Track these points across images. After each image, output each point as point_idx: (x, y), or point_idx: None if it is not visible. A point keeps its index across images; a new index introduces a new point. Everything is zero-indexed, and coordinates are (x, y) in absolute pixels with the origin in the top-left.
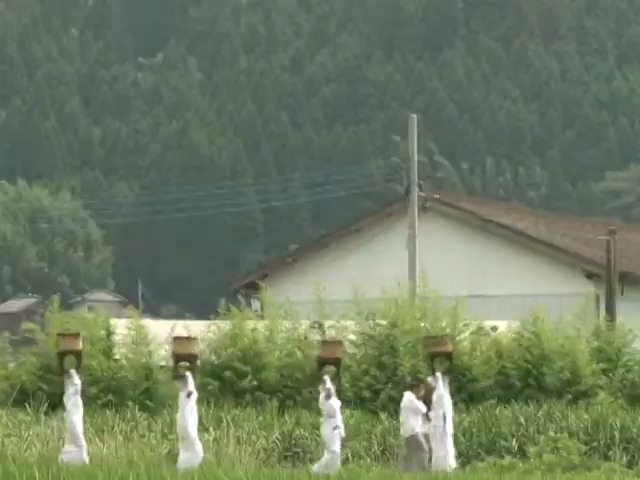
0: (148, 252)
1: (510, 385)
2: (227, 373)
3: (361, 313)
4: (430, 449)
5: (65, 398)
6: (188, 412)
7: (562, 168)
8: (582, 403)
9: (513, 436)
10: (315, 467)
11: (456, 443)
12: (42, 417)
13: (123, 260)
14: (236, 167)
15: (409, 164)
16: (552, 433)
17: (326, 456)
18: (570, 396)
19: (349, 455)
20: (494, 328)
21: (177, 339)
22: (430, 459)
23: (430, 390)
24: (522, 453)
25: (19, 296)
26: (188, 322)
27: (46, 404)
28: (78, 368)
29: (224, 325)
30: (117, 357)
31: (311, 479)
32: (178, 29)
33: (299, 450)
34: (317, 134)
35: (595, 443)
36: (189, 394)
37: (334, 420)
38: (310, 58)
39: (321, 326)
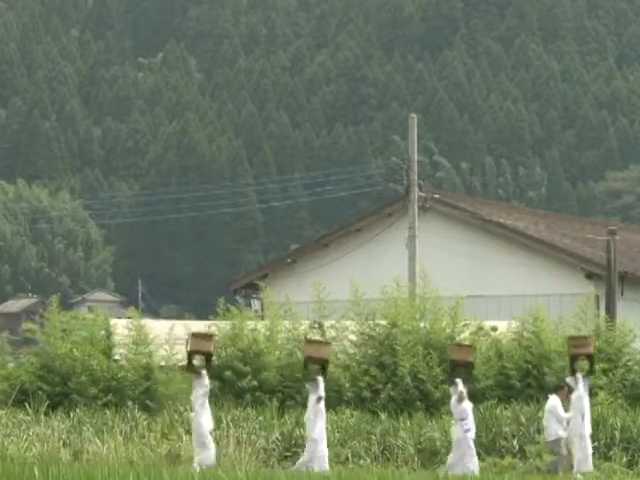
0: (148, 252)
1: (510, 385)
2: (227, 373)
3: (361, 313)
4: (569, 452)
5: (193, 399)
6: (317, 416)
7: (562, 168)
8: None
9: (513, 436)
10: (448, 465)
11: None
12: (42, 417)
13: (123, 260)
14: (236, 167)
15: (409, 164)
16: None
17: (456, 457)
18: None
19: (349, 455)
20: (494, 328)
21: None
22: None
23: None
24: (522, 453)
25: (19, 296)
26: (188, 322)
27: (46, 404)
28: (207, 370)
29: (224, 325)
30: (117, 357)
31: (310, 479)
32: (178, 29)
33: (299, 450)
34: (317, 134)
35: (595, 443)
36: (319, 398)
37: (466, 422)
38: (310, 58)
39: (321, 326)
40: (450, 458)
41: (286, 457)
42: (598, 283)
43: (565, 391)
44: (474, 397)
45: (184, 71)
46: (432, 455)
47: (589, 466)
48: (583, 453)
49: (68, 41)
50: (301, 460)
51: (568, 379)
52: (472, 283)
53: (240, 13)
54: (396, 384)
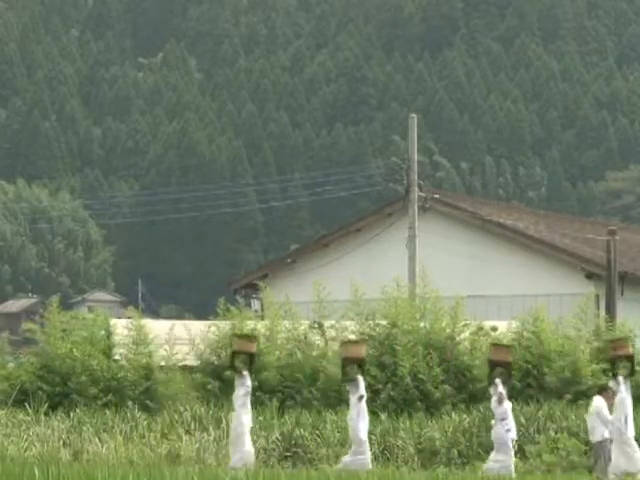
0: (148, 252)
1: (510, 385)
2: (227, 373)
3: (361, 313)
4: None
5: (234, 398)
6: (359, 416)
7: (562, 168)
8: (582, 403)
9: None
10: (489, 466)
11: (456, 443)
12: (42, 417)
13: (123, 260)
14: (236, 167)
15: (409, 164)
16: (552, 433)
17: (500, 458)
18: (570, 396)
19: None
20: (494, 328)
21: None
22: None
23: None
24: (522, 453)
25: (19, 296)
26: (188, 322)
27: (46, 404)
28: (250, 370)
29: (224, 325)
30: (117, 357)
31: (310, 479)
32: (178, 29)
33: (299, 450)
34: (317, 134)
35: None
36: (361, 397)
37: (506, 422)
38: (310, 58)
39: (321, 326)
40: (491, 457)
41: (286, 457)
42: (598, 283)
43: (610, 393)
44: (474, 397)
45: (184, 71)
46: (432, 455)
47: (636, 467)
48: (626, 455)
49: (68, 41)
50: (345, 460)
51: (610, 382)
52: (472, 283)
53: (240, 13)
54: (396, 384)
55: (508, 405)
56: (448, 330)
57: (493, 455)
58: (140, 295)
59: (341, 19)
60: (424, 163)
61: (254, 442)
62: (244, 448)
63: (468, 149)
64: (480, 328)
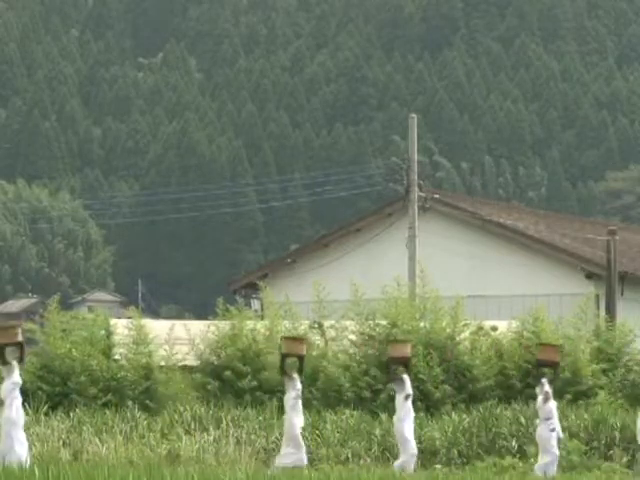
0: (148, 252)
1: (510, 385)
2: (227, 373)
3: (361, 313)
4: None
5: (285, 400)
6: (406, 415)
7: (562, 168)
8: (582, 403)
9: (513, 436)
10: (538, 467)
11: (456, 443)
12: (42, 417)
13: (123, 260)
14: (236, 167)
15: (409, 164)
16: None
17: (545, 459)
18: (570, 396)
19: (349, 455)
20: (494, 328)
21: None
22: None
23: None
24: (522, 453)
25: (19, 296)
26: (188, 322)
27: (46, 404)
28: (300, 373)
29: (223, 325)
30: (117, 357)
31: (311, 479)
32: (178, 29)
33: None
34: (317, 134)
35: (595, 443)
36: (407, 396)
37: (551, 422)
38: (310, 58)
39: (321, 326)
40: (539, 459)
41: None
42: (598, 283)
43: None
44: (474, 397)
45: (184, 71)
46: (432, 455)
47: None
48: None
49: (68, 41)
50: (400, 461)
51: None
52: (472, 283)
53: (240, 13)
54: None
55: (553, 404)
56: (448, 330)
57: (540, 456)
58: (140, 295)
59: (341, 19)
60: (424, 163)
61: (254, 442)
62: (297, 450)
63: (468, 149)
64: (480, 328)
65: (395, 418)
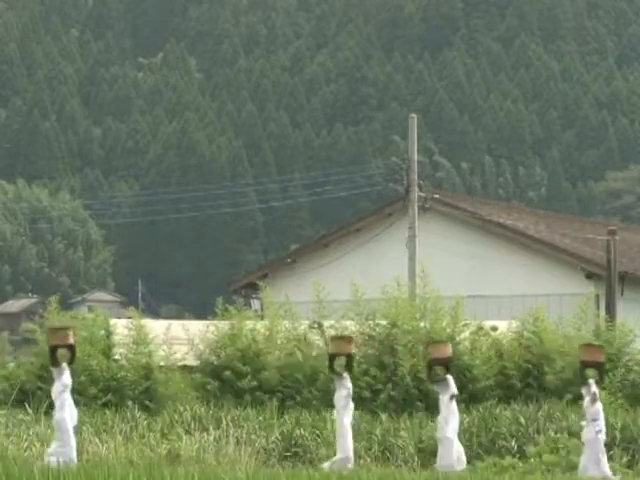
0: (148, 252)
1: (510, 385)
2: (227, 373)
3: (361, 313)
4: None
5: (335, 399)
6: (451, 416)
7: (562, 168)
8: (582, 403)
9: (513, 436)
10: (582, 467)
11: None
12: (42, 417)
13: (123, 260)
14: (236, 167)
15: (409, 164)
16: (552, 433)
17: (591, 460)
18: (570, 396)
19: None
20: (494, 328)
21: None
22: None
23: None
24: (522, 453)
25: (19, 296)
26: (187, 322)
27: (46, 404)
28: (350, 371)
29: (223, 325)
30: (117, 357)
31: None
32: (178, 29)
33: (299, 450)
34: (317, 134)
35: None
36: (452, 397)
37: (598, 423)
38: (310, 58)
39: (321, 326)
40: (582, 460)
41: (286, 457)
42: (598, 283)
43: None
44: (474, 397)
45: (184, 71)
46: (432, 455)
47: None
48: None
49: (68, 41)
50: (443, 462)
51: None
52: (472, 283)
53: (240, 13)
54: (396, 384)
55: (600, 406)
56: (448, 330)
57: (583, 457)
58: (140, 295)
59: (341, 19)
60: (424, 163)
61: (254, 442)
62: (348, 449)
63: (468, 149)
64: (480, 328)
65: (440, 418)
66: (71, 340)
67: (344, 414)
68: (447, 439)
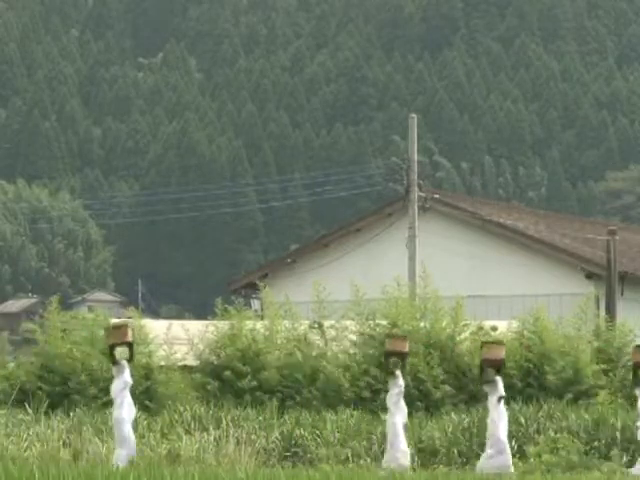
0: (148, 252)
1: (511, 385)
2: (226, 373)
3: (361, 313)
4: None
5: (387, 398)
6: (500, 417)
7: (562, 168)
8: (582, 403)
9: (513, 436)
10: (635, 468)
11: (456, 443)
12: (42, 417)
13: (123, 260)
14: (236, 167)
15: (409, 164)
16: (552, 433)
17: None
18: (571, 396)
19: (349, 455)
20: (494, 328)
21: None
22: None
23: None
24: (522, 453)
25: (19, 296)
26: (186, 322)
27: (46, 404)
28: (403, 370)
29: (222, 325)
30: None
31: (310, 479)
32: (178, 29)
33: (299, 450)
34: (317, 134)
35: (595, 443)
36: (500, 398)
37: None
38: (310, 58)
39: (321, 326)
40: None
41: (286, 457)
42: (598, 283)
43: None
44: (474, 397)
45: (184, 71)
46: (432, 455)
47: None
48: None
49: (68, 41)
50: (495, 461)
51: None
52: (472, 283)
53: (240, 13)
54: None
55: None
56: (448, 330)
57: None
58: (140, 295)
59: (341, 19)
60: (424, 163)
61: (254, 442)
62: (400, 447)
63: (468, 149)
64: (480, 328)
65: (489, 420)
66: (130, 337)
67: (396, 412)
68: (499, 441)
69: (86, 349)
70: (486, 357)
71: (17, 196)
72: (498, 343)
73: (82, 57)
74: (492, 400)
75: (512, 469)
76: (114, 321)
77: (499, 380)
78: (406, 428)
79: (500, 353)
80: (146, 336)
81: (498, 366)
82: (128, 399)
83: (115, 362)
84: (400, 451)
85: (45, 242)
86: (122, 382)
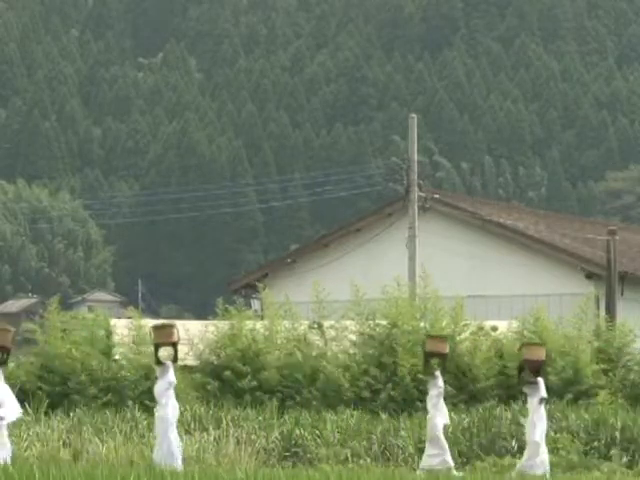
0: (148, 252)
1: (510, 385)
2: (226, 373)
3: (361, 313)
4: None
5: (427, 399)
6: (539, 419)
7: (562, 168)
8: (582, 403)
9: (513, 436)
10: None
11: (456, 443)
12: (42, 417)
13: (123, 260)
14: (236, 167)
15: (409, 164)
16: (552, 433)
17: None
18: (571, 396)
19: (349, 455)
20: (494, 328)
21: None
22: None
23: None
24: (522, 453)
25: (19, 296)
26: (186, 322)
27: (46, 404)
28: (443, 370)
29: (223, 325)
30: (117, 357)
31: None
32: (178, 29)
33: (299, 450)
34: (317, 134)
35: (595, 443)
36: (541, 400)
37: None
38: (310, 58)
39: (320, 326)
40: None
41: (286, 457)
42: (598, 283)
43: None
44: (474, 397)
45: (184, 71)
46: None
47: None
48: None
49: (68, 41)
50: (522, 464)
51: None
52: (472, 283)
53: (240, 13)
54: (396, 384)
55: None
56: (448, 330)
57: None
58: (140, 295)
59: (341, 19)
60: (424, 163)
61: (254, 442)
62: (440, 451)
63: (468, 149)
64: (480, 328)
65: (528, 421)
66: (175, 338)
67: (436, 414)
68: (535, 443)
69: (86, 349)
70: (527, 358)
71: (17, 196)
72: (538, 344)
73: (82, 57)
74: (533, 402)
75: (548, 468)
76: (159, 321)
77: (541, 382)
78: (446, 429)
79: (541, 354)
80: (146, 336)
81: (539, 367)
82: (173, 400)
83: (159, 362)
84: (442, 452)
85: (45, 242)
86: (166, 382)
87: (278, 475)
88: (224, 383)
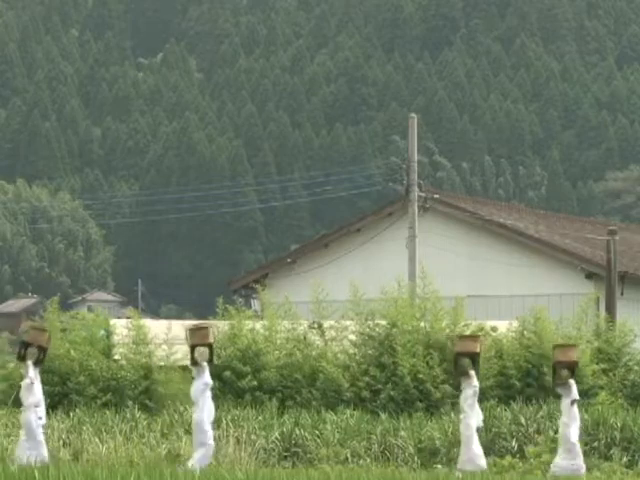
0: (148, 252)
1: (510, 385)
2: (226, 373)
3: (361, 313)
4: None
5: (462, 399)
6: (572, 420)
7: (562, 168)
8: (582, 403)
9: (513, 436)
10: None
11: (456, 443)
12: None
13: (123, 260)
14: (236, 167)
15: (409, 164)
16: (552, 433)
17: None
18: None
19: (349, 455)
20: (494, 328)
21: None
22: None
23: None
24: (522, 453)
25: (19, 296)
26: (187, 322)
27: (46, 404)
28: (476, 369)
29: (222, 325)
30: (117, 357)
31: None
32: (178, 29)
33: (299, 450)
34: (317, 134)
35: (595, 443)
36: (573, 401)
37: None
38: (310, 58)
39: (320, 326)
40: None
41: (286, 457)
42: (598, 283)
43: None
44: None
45: (184, 71)
46: (432, 455)
47: None
48: None
49: (68, 41)
50: (558, 463)
51: None
52: (472, 283)
53: (240, 13)
54: (396, 384)
55: None
56: (448, 330)
57: None
58: (140, 295)
59: (341, 19)
60: (424, 163)
61: (253, 442)
62: (475, 450)
63: (468, 149)
64: (480, 328)
65: (560, 422)
66: (211, 339)
67: (471, 414)
68: (572, 444)
69: (85, 349)
70: (559, 359)
71: (17, 196)
72: (570, 345)
73: (82, 57)
74: (565, 402)
75: (583, 470)
76: (196, 322)
77: (573, 383)
78: (480, 430)
79: (573, 355)
80: (146, 336)
81: (572, 368)
82: (209, 401)
83: (195, 363)
84: (476, 453)
85: (45, 242)
86: (202, 383)
87: (278, 475)
88: (224, 383)
